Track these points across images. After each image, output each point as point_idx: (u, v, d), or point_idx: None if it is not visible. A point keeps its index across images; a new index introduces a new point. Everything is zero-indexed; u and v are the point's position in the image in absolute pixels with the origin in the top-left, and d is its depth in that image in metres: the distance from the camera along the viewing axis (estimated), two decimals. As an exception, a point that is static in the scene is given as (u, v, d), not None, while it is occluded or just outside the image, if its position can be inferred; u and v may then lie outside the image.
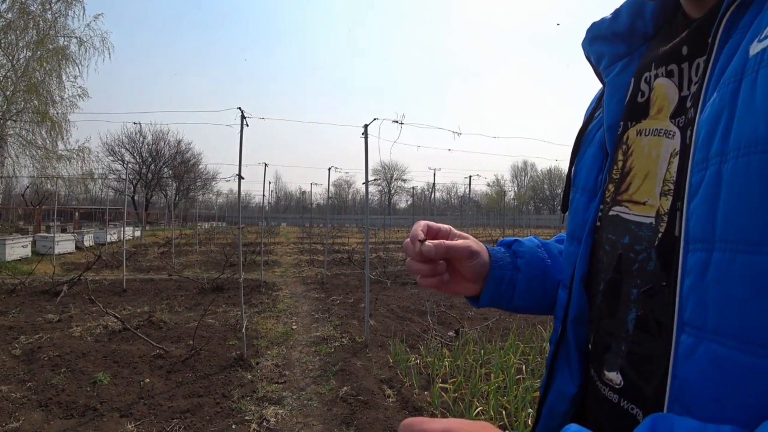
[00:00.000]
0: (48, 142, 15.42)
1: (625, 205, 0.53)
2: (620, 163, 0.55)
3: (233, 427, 2.94)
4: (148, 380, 3.58)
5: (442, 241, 0.62)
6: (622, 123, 0.56)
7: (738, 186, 0.34)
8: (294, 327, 5.43)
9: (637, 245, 0.50)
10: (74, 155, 16.37)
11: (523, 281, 0.68)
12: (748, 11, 0.40)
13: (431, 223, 0.65)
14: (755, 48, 0.37)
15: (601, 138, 0.59)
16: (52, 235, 12.50)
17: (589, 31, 0.62)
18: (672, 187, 0.46)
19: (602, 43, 0.60)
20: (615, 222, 0.54)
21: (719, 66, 0.41)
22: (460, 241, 0.64)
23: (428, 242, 0.61)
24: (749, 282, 0.33)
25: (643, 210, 0.50)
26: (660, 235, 0.46)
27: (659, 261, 0.46)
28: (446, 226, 0.67)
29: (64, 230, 16.39)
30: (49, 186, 16.86)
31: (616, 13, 0.59)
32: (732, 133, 0.36)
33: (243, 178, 4.25)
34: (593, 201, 0.59)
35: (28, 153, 15.30)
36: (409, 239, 0.63)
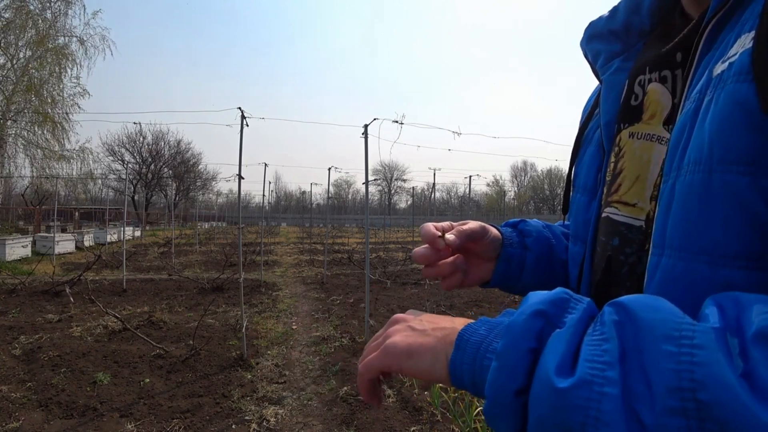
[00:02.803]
0: (49, 142, 15.43)
1: (614, 206, 0.52)
2: (612, 165, 0.55)
3: (233, 427, 2.94)
4: (148, 380, 3.58)
5: (458, 228, 0.62)
6: (616, 124, 0.56)
7: (683, 200, 0.38)
8: (294, 327, 5.43)
9: (627, 248, 0.50)
10: (74, 155, 16.38)
11: (532, 260, 0.68)
12: (726, 27, 0.40)
13: (435, 224, 0.65)
14: (718, 69, 0.38)
15: (600, 136, 0.59)
16: (52, 235, 12.49)
17: (586, 29, 0.62)
18: None
19: (599, 41, 0.60)
20: (605, 223, 0.54)
21: (695, 81, 0.42)
22: (471, 224, 0.64)
23: (448, 235, 0.60)
24: (684, 287, 0.37)
25: (633, 212, 0.50)
26: (650, 239, 0.46)
27: None
28: (446, 223, 0.67)
29: (64, 230, 16.39)
30: (49, 186, 16.86)
31: (614, 11, 0.58)
32: (687, 151, 0.38)
33: (243, 178, 4.25)
34: (594, 200, 0.59)
35: (28, 153, 15.31)
36: (422, 248, 0.61)
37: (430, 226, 0.62)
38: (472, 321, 0.41)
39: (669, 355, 0.28)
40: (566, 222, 0.77)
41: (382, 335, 0.46)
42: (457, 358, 0.38)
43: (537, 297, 0.37)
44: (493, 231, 0.67)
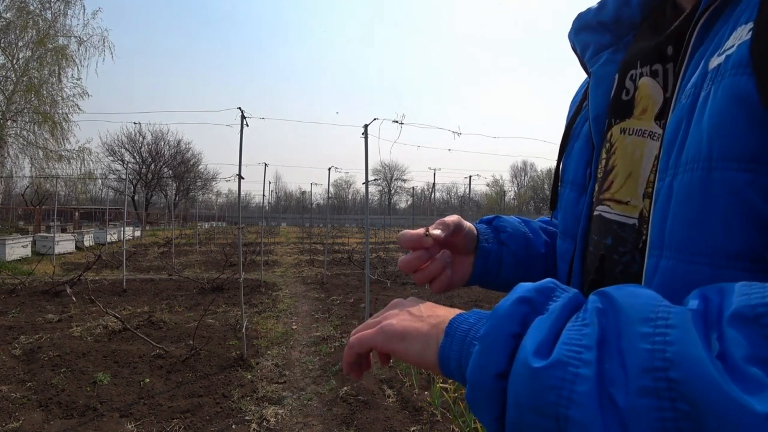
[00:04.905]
0: (49, 142, 15.43)
1: (607, 204, 0.52)
2: (603, 162, 0.54)
3: (233, 427, 2.94)
4: (148, 380, 3.58)
5: (440, 221, 0.62)
6: (606, 119, 0.55)
7: (682, 199, 0.36)
8: (294, 327, 5.44)
9: (620, 247, 0.49)
10: (74, 155, 16.39)
11: (508, 255, 0.68)
12: (719, 20, 0.39)
13: (410, 230, 0.64)
14: (714, 62, 0.37)
15: (588, 130, 0.58)
16: (52, 235, 12.49)
17: (575, 21, 0.61)
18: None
19: (588, 33, 0.59)
20: (598, 222, 0.53)
21: (689, 74, 0.41)
22: (451, 217, 0.65)
23: (433, 230, 0.60)
24: (685, 289, 0.35)
25: (626, 210, 0.49)
26: (644, 237, 0.45)
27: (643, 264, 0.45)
28: (421, 228, 0.66)
29: (64, 230, 16.38)
30: (48, 186, 16.87)
31: (603, 2, 0.58)
32: (684, 147, 0.37)
33: (243, 178, 4.25)
34: (583, 195, 0.58)
35: (28, 153, 15.31)
36: (406, 256, 0.61)
37: (410, 230, 0.62)
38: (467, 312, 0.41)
39: (644, 336, 0.28)
40: (553, 220, 0.76)
41: (380, 315, 0.47)
42: (445, 345, 0.38)
43: (524, 286, 0.37)
44: (468, 223, 0.67)
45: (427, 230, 0.60)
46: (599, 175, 0.54)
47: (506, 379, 0.32)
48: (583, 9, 0.60)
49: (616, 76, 0.54)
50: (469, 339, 0.37)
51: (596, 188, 0.55)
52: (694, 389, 0.24)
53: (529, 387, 0.30)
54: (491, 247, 0.68)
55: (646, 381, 0.26)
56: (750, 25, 0.34)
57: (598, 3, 0.58)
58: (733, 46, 0.35)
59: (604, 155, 0.54)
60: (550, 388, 0.29)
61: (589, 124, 0.57)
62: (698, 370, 0.25)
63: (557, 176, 0.65)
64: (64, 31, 15.44)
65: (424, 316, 0.42)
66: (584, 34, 0.59)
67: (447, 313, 0.42)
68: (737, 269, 0.33)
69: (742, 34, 0.35)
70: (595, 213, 0.54)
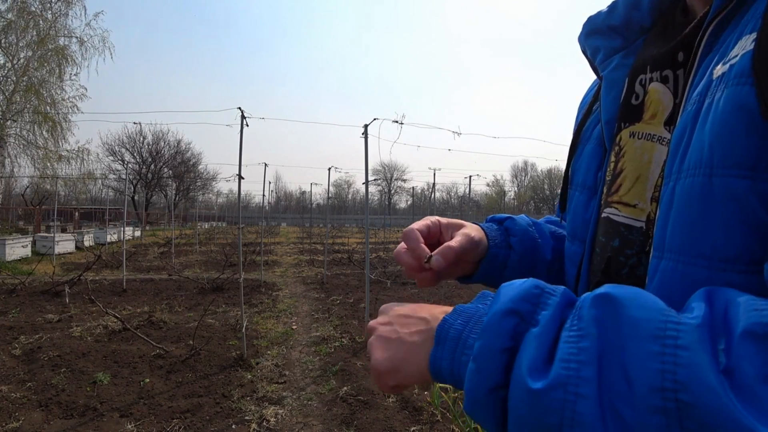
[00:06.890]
0: (49, 142, 15.44)
1: (615, 206, 0.52)
2: (612, 165, 0.54)
3: (233, 427, 2.94)
4: (148, 380, 3.58)
5: (447, 246, 0.58)
6: (616, 123, 0.55)
7: (683, 204, 0.38)
8: (294, 327, 5.44)
9: (627, 249, 0.49)
10: (74, 156, 16.39)
11: (515, 260, 0.67)
12: (728, 27, 0.40)
13: (420, 227, 0.61)
14: (718, 71, 0.38)
15: (599, 133, 0.58)
16: (52, 235, 12.48)
17: (585, 25, 0.61)
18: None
19: (598, 37, 0.59)
20: (605, 224, 0.53)
21: (696, 82, 0.41)
22: (461, 238, 0.61)
23: (434, 256, 0.57)
24: (683, 290, 0.36)
25: (634, 213, 0.49)
26: (650, 240, 0.45)
27: None
28: (434, 219, 0.63)
29: (64, 230, 16.37)
30: (48, 186, 16.87)
31: (613, 6, 0.58)
32: (688, 154, 0.38)
33: (243, 178, 4.25)
34: (593, 199, 0.58)
35: (28, 153, 15.32)
36: (405, 254, 0.59)
37: (418, 240, 0.59)
38: (447, 312, 0.42)
39: (653, 355, 0.28)
40: (562, 222, 0.76)
41: (374, 329, 0.48)
42: (436, 355, 0.39)
43: (508, 294, 0.37)
44: (483, 242, 0.64)
45: (430, 256, 0.57)
46: (608, 178, 0.54)
47: (504, 389, 0.34)
48: (592, 13, 0.60)
49: (626, 80, 0.54)
50: (459, 348, 0.38)
51: (604, 191, 0.55)
52: (704, 412, 0.25)
53: (529, 408, 0.31)
54: (499, 251, 0.67)
55: (655, 400, 0.27)
56: (754, 35, 0.35)
57: (608, 7, 0.58)
58: (737, 55, 0.36)
59: (613, 158, 0.54)
60: (551, 411, 0.30)
61: (602, 128, 0.57)
62: (709, 394, 0.26)
63: (567, 179, 0.65)
64: (65, 32, 15.45)
65: (403, 337, 0.43)
66: (594, 38, 0.59)
67: (427, 326, 0.42)
68: (734, 272, 0.34)
69: (746, 44, 0.36)
70: (603, 215, 0.54)
